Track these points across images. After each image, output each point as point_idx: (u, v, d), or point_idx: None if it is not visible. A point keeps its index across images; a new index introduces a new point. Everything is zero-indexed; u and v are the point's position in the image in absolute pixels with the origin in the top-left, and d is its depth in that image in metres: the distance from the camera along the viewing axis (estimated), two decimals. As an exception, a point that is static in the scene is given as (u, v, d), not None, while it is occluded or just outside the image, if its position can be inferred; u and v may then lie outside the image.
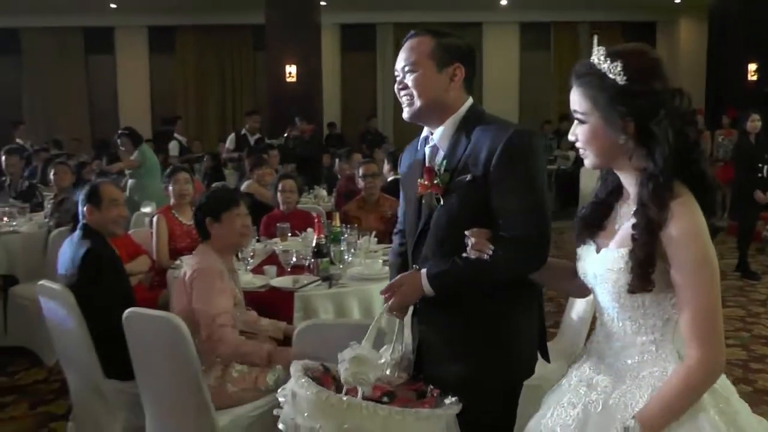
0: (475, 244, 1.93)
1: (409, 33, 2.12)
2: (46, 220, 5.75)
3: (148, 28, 14.54)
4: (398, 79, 2.13)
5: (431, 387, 1.97)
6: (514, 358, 2.07)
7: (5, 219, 5.72)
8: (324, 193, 7.02)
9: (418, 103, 2.08)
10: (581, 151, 1.74)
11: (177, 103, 14.61)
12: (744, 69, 11.32)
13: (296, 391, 1.78)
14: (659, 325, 1.67)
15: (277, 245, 4.17)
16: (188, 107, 14.57)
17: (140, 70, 14.77)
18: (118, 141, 7.45)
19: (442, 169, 2.04)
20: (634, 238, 1.62)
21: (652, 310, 1.66)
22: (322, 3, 11.79)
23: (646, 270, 1.60)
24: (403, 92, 2.11)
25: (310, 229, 4.27)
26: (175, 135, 11.07)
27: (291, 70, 11.28)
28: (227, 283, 3.04)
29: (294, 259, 3.68)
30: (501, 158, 1.94)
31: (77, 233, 3.42)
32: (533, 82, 14.31)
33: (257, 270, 3.83)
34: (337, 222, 3.90)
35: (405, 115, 2.13)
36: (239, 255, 3.64)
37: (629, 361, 1.70)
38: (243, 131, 9.44)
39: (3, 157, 6.49)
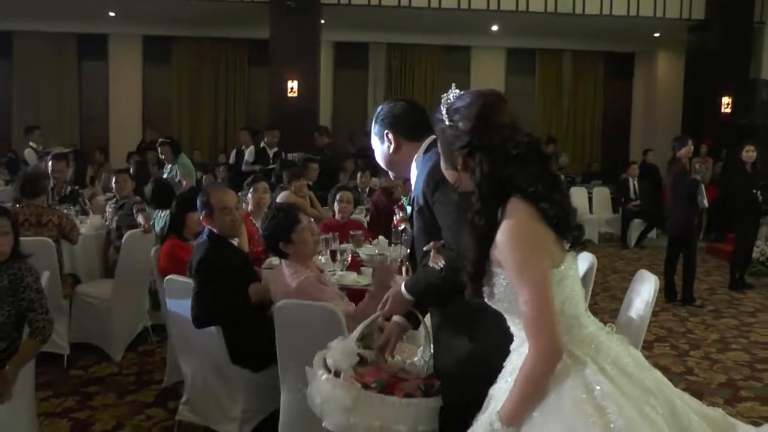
0: (431, 257, 2.28)
1: None
2: (107, 223, 6.07)
3: (143, 37, 14.51)
4: None
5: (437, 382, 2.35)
6: (477, 362, 2.18)
7: (64, 222, 6.01)
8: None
9: (388, 170, 2.61)
10: None
11: (171, 114, 14.66)
12: (718, 102, 12.02)
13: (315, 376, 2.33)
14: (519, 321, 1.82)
15: (355, 250, 4.60)
16: (182, 118, 14.64)
17: (133, 79, 14.67)
18: (159, 149, 7.72)
19: (406, 203, 2.55)
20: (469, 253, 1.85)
21: (511, 308, 1.81)
22: (321, 21, 12.14)
23: (474, 279, 1.84)
24: None
25: (381, 237, 4.73)
26: (30, 143, 10.36)
27: (293, 85, 11.60)
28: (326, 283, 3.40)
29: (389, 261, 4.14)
30: (427, 186, 2.29)
31: (203, 237, 3.76)
32: (518, 105, 14.82)
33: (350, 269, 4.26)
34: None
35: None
36: (338, 257, 4.08)
37: (521, 350, 1.85)
38: (262, 145, 9.69)
39: (50, 162, 6.67)
